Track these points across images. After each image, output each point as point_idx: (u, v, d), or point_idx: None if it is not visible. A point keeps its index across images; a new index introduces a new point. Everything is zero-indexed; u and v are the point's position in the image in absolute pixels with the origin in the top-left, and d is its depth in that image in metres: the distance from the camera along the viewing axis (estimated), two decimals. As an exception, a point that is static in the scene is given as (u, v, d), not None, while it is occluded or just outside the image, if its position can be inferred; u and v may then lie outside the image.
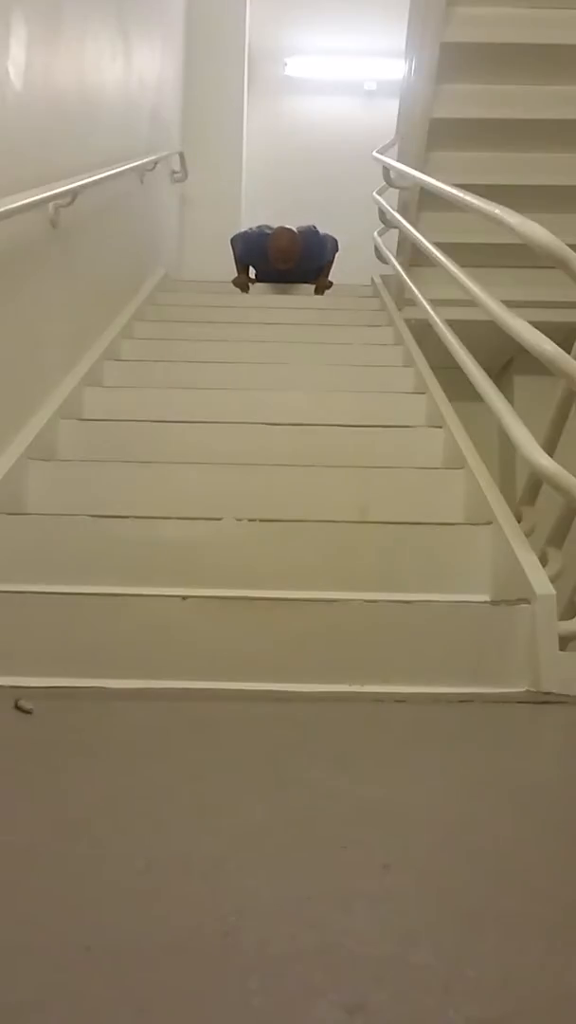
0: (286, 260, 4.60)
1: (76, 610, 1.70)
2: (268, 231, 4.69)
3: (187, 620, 1.68)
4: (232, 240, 4.87)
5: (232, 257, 4.86)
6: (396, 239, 4.25)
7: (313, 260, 4.73)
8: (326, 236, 4.81)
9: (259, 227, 4.81)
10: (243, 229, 5.00)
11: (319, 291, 4.81)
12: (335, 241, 4.83)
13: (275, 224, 4.71)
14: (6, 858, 0.87)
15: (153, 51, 4.44)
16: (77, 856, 0.87)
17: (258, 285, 4.85)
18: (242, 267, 4.85)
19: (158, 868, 0.85)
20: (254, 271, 4.89)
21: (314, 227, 4.77)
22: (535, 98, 3.34)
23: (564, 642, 1.60)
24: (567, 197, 3.46)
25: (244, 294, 4.74)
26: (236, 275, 4.83)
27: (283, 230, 4.61)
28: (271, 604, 1.69)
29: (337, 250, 4.83)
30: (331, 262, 4.86)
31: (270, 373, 3.15)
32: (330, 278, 4.86)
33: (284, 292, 4.73)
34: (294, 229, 4.62)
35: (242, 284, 4.80)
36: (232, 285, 4.79)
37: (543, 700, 1.52)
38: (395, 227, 4.10)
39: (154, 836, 0.92)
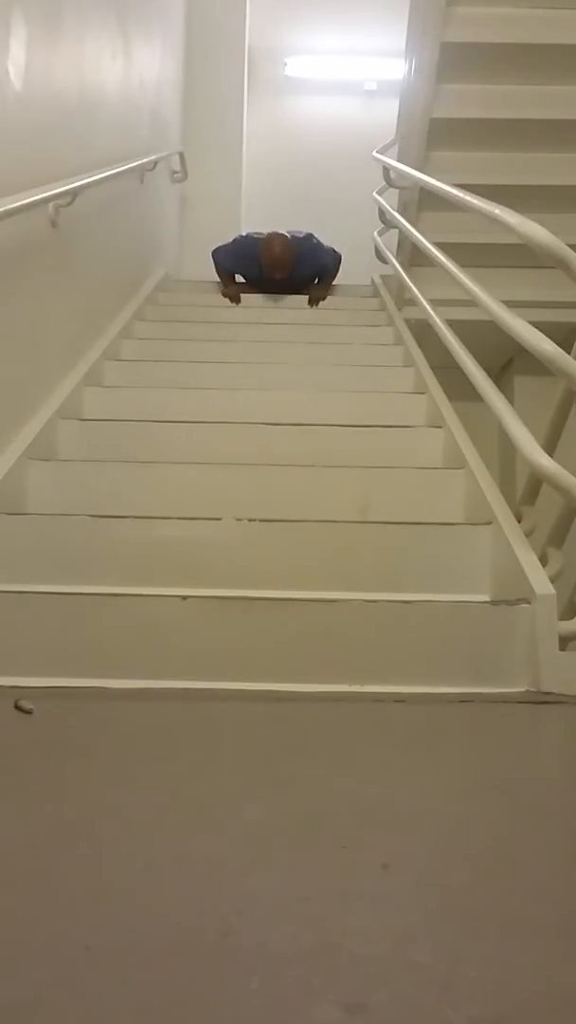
0: (281, 268, 4.23)
1: (76, 610, 1.70)
2: (258, 236, 4.35)
3: (187, 620, 1.68)
4: (214, 253, 4.49)
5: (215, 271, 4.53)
6: (396, 239, 4.24)
7: (306, 268, 4.36)
8: (325, 247, 4.47)
9: (245, 235, 4.50)
10: (222, 243, 4.54)
11: (312, 302, 4.38)
12: (337, 256, 4.49)
13: (262, 232, 4.39)
14: (6, 858, 0.87)
15: (153, 51, 4.43)
16: (77, 856, 0.87)
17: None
18: (228, 277, 4.47)
19: (158, 868, 0.85)
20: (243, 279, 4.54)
21: (310, 235, 4.45)
22: (535, 98, 3.34)
23: (564, 642, 1.60)
24: (567, 197, 3.47)
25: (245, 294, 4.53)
26: (225, 286, 4.46)
27: (274, 235, 4.26)
28: (271, 604, 1.69)
29: (339, 263, 4.48)
30: (333, 275, 4.50)
31: (270, 373, 3.15)
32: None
33: (282, 294, 4.67)
34: (286, 234, 4.32)
35: (233, 295, 4.39)
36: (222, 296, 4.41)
37: (543, 700, 1.52)
38: (395, 227, 4.09)
39: (154, 836, 0.92)
